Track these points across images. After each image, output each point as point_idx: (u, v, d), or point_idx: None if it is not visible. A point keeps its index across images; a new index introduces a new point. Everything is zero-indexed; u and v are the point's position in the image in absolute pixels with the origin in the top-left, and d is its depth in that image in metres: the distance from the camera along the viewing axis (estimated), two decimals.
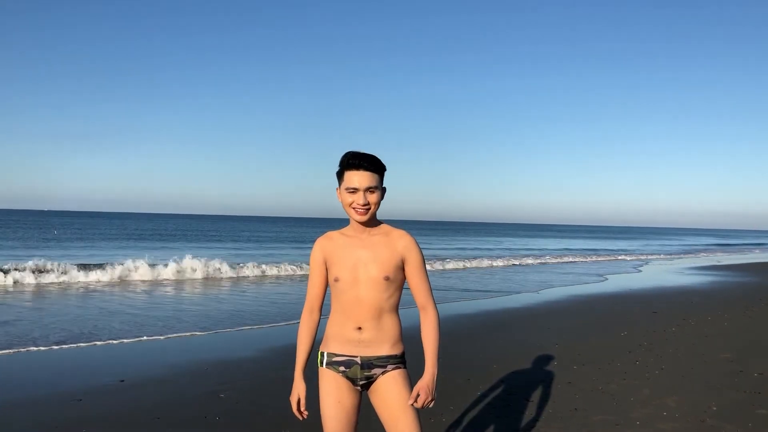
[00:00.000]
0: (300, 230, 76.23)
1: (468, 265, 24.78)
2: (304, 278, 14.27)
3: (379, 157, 2.48)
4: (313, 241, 2.66)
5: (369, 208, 2.44)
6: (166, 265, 16.85)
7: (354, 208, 2.44)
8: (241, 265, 18.99)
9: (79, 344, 7.83)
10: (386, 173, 2.53)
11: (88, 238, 39.28)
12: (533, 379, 6.16)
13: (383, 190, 2.51)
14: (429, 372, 2.42)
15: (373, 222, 2.53)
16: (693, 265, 28.66)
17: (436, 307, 2.56)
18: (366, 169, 2.42)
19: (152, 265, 16.62)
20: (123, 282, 15.36)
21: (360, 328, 2.50)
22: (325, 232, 2.67)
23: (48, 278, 14.72)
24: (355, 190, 2.43)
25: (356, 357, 2.52)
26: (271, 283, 16.70)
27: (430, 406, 2.42)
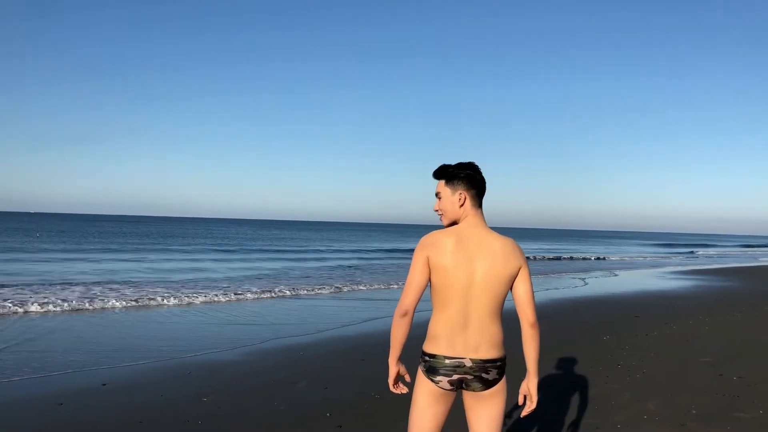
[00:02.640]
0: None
1: None
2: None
3: (449, 165, 2.67)
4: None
5: (440, 213, 2.69)
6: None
7: None
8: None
9: (63, 344, 7.77)
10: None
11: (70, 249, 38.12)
12: (513, 384, 6.18)
13: (457, 195, 2.62)
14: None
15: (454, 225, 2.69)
16: (675, 269, 28.94)
17: (396, 308, 2.57)
18: (434, 177, 2.71)
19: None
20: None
21: None
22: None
23: None
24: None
25: None
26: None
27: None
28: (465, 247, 2.53)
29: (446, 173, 2.65)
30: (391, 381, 2.69)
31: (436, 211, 2.70)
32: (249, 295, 14.19)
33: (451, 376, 2.52)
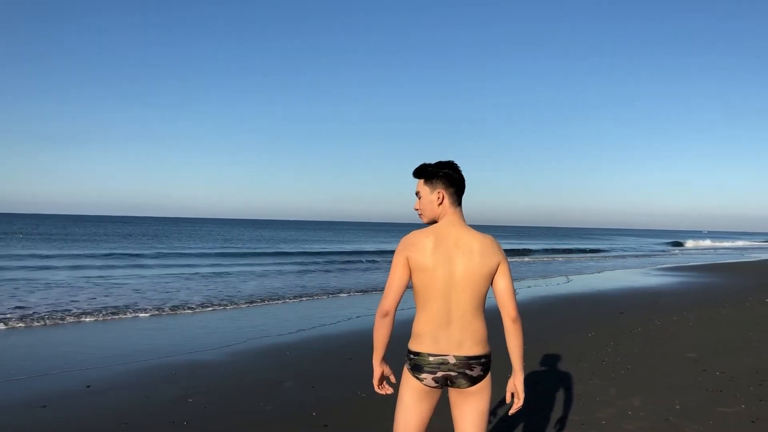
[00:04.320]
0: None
1: None
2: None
3: (428, 164, 2.69)
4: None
5: (420, 213, 2.73)
6: None
7: None
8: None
9: (45, 348, 7.70)
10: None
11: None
12: (500, 381, 6.20)
13: (435, 194, 2.64)
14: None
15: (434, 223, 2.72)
16: (659, 266, 29.17)
17: (377, 309, 2.58)
18: (414, 176, 2.74)
19: None
20: None
21: None
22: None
23: None
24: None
25: None
26: None
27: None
28: (444, 245, 2.55)
29: (425, 172, 2.68)
30: (375, 381, 2.70)
31: (416, 209, 2.73)
32: (230, 298, 14.13)
33: (435, 373, 2.54)
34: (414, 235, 2.59)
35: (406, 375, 2.63)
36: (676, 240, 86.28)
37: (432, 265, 2.52)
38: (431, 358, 2.53)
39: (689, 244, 74.59)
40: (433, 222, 2.68)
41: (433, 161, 2.71)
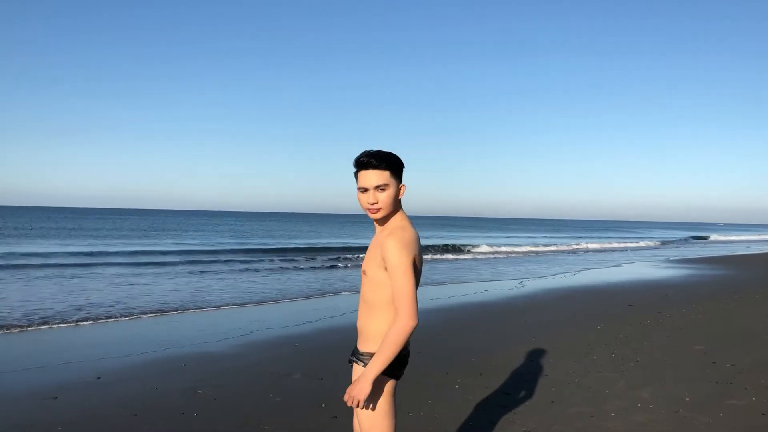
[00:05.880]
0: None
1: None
2: None
3: (392, 154, 2.45)
4: None
5: (379, 207, 2.42)
6: None
7: (366, 208, 2.45)
8: None
9: (55, 340, 7.76)
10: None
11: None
12: (511, 373, 6.21)
13: (399, 188, 2.46)
14: (364, 371, 2.34)
15: (386, 219, 2.49)
16: (669, 258, 29.05)
17: (408, 314, 2.28)
18: (375, 167, 2.38)
19: None
20: None
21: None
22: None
23: None
24: (365, 190, 2.41)
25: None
26: None
27: (356, 405, 2.34)
28: (418, 241, 2.50)
29: (393, 163, 2.43)
30: (364, 396, 2.31)
31: (373, 205, 2.43)
32: (237, 293, 14.17)
33: (407, 364, 2.54)
34: (410, 232, 2.43)
35: (384, 379, 2.42)
36: (699, 234, 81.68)
37: (421, 263, 2.48)
38: (404, 351, 2.49)
39: (714, 237, 71.21)
40: (384, 219, 2.49)
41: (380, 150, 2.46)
